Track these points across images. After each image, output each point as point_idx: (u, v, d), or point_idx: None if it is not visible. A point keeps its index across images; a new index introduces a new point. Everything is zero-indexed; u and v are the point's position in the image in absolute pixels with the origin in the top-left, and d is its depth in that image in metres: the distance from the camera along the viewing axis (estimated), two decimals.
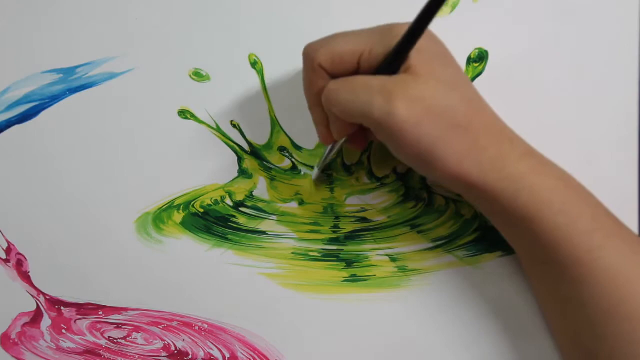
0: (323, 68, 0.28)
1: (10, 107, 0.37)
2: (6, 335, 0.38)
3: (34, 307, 0.38)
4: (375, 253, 0.36)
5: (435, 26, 0.33)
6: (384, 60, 0.27)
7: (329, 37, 0.29)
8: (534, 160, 0.28)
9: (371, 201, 0.35)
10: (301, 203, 0.36)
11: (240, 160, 0.36)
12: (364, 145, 0.33)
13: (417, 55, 0.27)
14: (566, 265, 0.28)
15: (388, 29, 0.28)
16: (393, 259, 0.35)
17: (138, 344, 0.38)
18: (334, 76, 0.29)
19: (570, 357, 0.31)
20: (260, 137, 0.36)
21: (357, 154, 0.35)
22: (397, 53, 0.27)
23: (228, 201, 0.36)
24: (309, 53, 0.28)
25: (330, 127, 0.30)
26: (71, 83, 0.36)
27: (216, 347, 0.37)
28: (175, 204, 0.36)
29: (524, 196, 0.27)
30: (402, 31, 0.26)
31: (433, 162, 0.27)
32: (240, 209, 0.36)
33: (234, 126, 0.36)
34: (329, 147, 0.32)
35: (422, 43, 0.26)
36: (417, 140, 0.26)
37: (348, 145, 0.33)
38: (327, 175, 0.36)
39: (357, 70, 0.28)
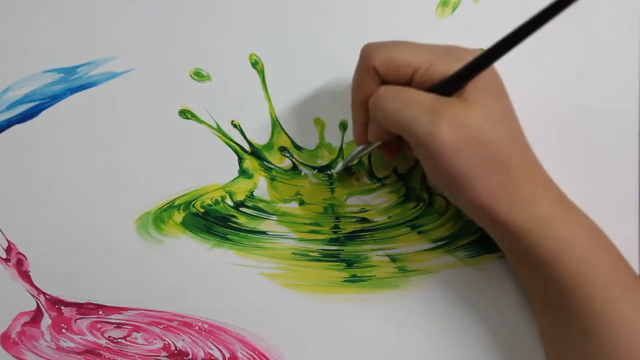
0: (377, 71, 0.28)
1: (10, 106, 0.37)
2: (6, 335, 0.38)
3: (34, 307, 0.38)
4: (376, 253, 0.36)
5: (436, 26, 0.33)
6: (441, 82, 0.27)
7: (390, 43, 0.28)
8: (563, 206, 0.28)
9: (372, 201, 0.35)
10: (301, 203, 0.36)
11: (240, 160, 0.36)
12: (396, 155, 0.33)
13: (474, 83, 0.27)
14: (579, 314, 0.28)
15: (452, 50, 0.28)
16: (393, 259, 0.35)
17: (138, 344, 0.38)
18: (385, 82, 0.28)
19: None
20: (260, 137, 0.36)
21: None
22: (457, 78, 0.26)
23: (228, 201, 0.36)
24: (367, 53, 0.28)
25: (369, 129, 0.30)
26: (72, 83, 0.36)
27: (216, 347, 0.37)
28: (175, 204, 0.36)
29: (548, 240, 0.27)
30: (466, 57, 0.26)
31: (464, 191, 0.27)
32: (241, 209, 0.36)
33: (235, 126, 0.36)
34: (360, 148, 0.32)
35: (482, 73, 0.26)
36: (454, 166, 0.27)
37: (380, 151, 0.33)
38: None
39: (409, 82, 0.28)
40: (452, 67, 0.27)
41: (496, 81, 0.29)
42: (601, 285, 0.27)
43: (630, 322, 0.27)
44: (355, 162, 0.34)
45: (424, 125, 0.26)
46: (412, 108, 0.27)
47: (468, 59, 0.26)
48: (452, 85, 0.27)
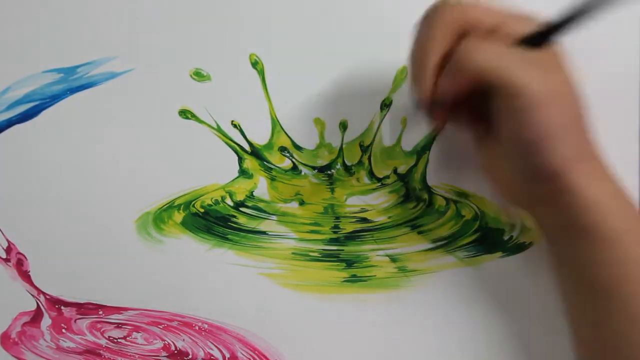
0: (459, 25, 0.28)
1: (10, 106, 0.37)
2: (6, 335, 0.38)
3: (34, 307, 0.38)
4: (376, 253, 0.36)
5: None
6: (533, 33, 0.27)
7: (467, 2, 0.28)
8: (622, 187, 0.28)
9: (372, 201, 0.35)
10: (301, 203, 0.36)
11: (240, 160, 0.36)
12: (444, 123, 0.32)
13: (561, 48, 0.27)
14: (629, 301, 0.27)
15: (525, 15, 0.28)
16: (393, 259, 0.35)
17: (138, 344, 0.38)
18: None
19: None
20: (260, 137, 0.36)
21: (358, 153, 0.35)
22: (552, 28, 0.26)
23: (228, 201, 0.36)
24: (445, 8, 0.28)
25: (441, 81, 0.29)
26: (72, 83, 0.36)
27: (216, 347, 0.37)
28: (175, 204, 0.36)
29: (622, 214, 0.27)
30: (532, 20, 0.27)
31: (545, 151, 0.26)
32: (241, 209, 0.36)
33: (235, 126, 0.36)
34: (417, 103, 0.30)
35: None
36: (543, 122, 0.26)
37: (434, 116, 0.30)
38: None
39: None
40: (528, 27, 0.27)
41: (563, 51, 0.28)
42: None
43: None
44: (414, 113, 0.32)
45: (522, 74, 0.26)
46: (507, 58, 0.26)
47: (541, 24, 0.26)
48: (543, 37, 0.27)
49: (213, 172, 0.36)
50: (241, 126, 0.36)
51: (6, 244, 0.38)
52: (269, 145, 0.36)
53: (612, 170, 0.28)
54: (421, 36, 0.29)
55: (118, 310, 0.37)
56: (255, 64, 0.35)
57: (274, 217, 0.36)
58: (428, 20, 0.29)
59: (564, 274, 0.30)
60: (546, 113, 0.26)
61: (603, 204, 0.27)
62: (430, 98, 0.29)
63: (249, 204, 0.36)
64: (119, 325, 0.38)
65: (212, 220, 0.36)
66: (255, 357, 0.37)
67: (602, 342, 0.29)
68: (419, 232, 0.35)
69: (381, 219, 0.35)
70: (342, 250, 0.36)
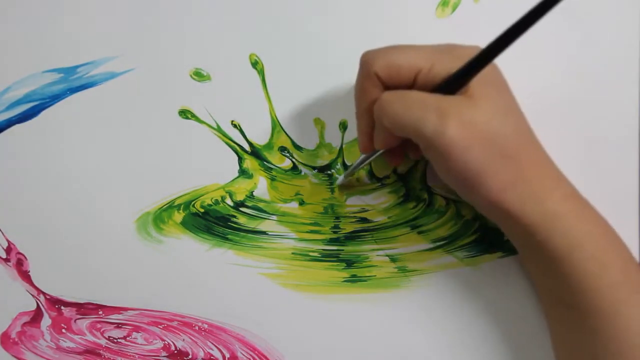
0: (379, 77, 0.28)
1: (10, 106, 0.37)
2: (6, 335, 0.38)
3: (34, 307, 0.38)
4: (376, 253, 0.36)
5: (437, 26, 0.33)
6: (444, 81, 0.27)
7: (388, 48, 0.28)
8: (575, 203, 0.28)
9: (371, 201, 0.35)
10: (301, 203, 0.36)
11: (240, 160, 0.36)
12: (400, 161, 0.34)
13: (476, 79, 0.27)
14: (587, 314, 0.27)
15: (451, 49, 0.28)
16: (393, 259, 0.35)
17: (138, 344, 0.38)
18: (388, 87, 0.28)
19: None
20: (260, 137, 0.36)
21: (358, 153, 0.35)
22: (461, 75, 0.26)
23: (228, 201, 0.36)
24: (367, 60, 0.28)
25: (375, 137, 0.30)
26: (72, 82, 0.36)
27: (216, 347, 0.37)
28: (175, 204, 0.36)
29: (559, 236, 0.27)
30: (467, 54, 0.26)
31: (476, 188, 0.27)
32: (241, 209, 0.36)
33: (235, 126, 0.36)
34: (364, 156, 0.32)
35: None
36: (465, 164, 0.27)
37: (384, 158, 0.33)
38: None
39: (412, 85, 0.28)
40: (454, 65, 0.27)
41: (498, 76, 0.29)
42: (611, 286, 0.27)
43: (636, 326, 0.27)
44: (359, 169, 0.34)
45: (432, 125, 0.26)
46: (418, 109, 0.27)
47: (468, 56, 0.26)
48: (455, 84, 0.27)
49: (213, 172, 0.36)
50: (241, 126, 0.36)
51: (6, 244, 0.38)
52: (269, 145, 0.36)
53: (556, 189, 0.28)
54: (355, 88, 0.30)
55: (118, 310, 0.37)
56: (255, 64, 0.35)
57: (274, 217, 0.36)
58: (358, 72, 0.29)
59: (536, 285, 0.32)
60: (467, 156, 0.26)
61: (541, 225, 0.27)
62: (369, 150, 0.31)
63: (249, 204, 0.36)
64: (119, 325, 0.38)
65: (212, 220, 0.36)
66: (255, 357, 0.37)
67: (570, 351, 0.30)
68: (419, 232, 0.35)
69: (381, 219, 0.35)
70: (342, 250, 0.36)
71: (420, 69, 0.27)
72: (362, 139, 0.31)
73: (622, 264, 0.28)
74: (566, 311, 0.29)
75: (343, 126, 0.35)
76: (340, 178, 0.35)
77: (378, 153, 0.32)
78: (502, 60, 0.33)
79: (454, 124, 0.26)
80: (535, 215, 0.27)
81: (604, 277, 0.27)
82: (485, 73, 0.27)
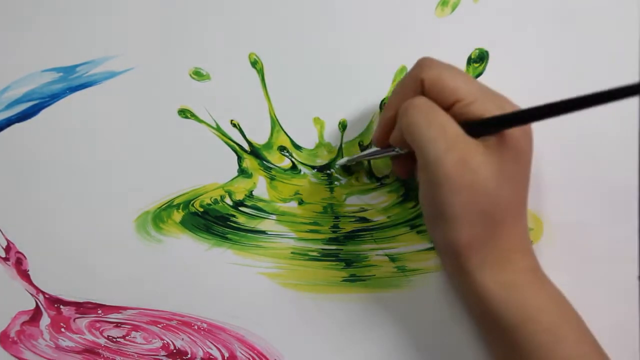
0: (423, 84, 0.28)
1: (10, 105, 0.37)
2: (5, 334, 0.38)
3: (33, 306, 0.38)
4: (375, 253, 0.36)
5: (437, 26, 0.33)
6: (475, 121, 0.27)
7: (447, 65, 0.28)
8: (533, 276, 0.28)
9: (371, 201, 0.35)
10: (301, 203, 0.36)
11: (240, 159, 0.36)
12: (406, 175, 0.33)
13: (503, 136, 0.27)
14: None
15: (499, 98, 0.28)
16: (392, 259, 0.35)
17: (137, 343, 0.38)
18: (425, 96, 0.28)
19: None
20: (260, 137, 0.36)
21: (357, 153, 0.35)
22: (489, 124, 0.26)
23: (228, 200, 0.36)
24: (422, 64, 0.28)
25: (393, 132, 0.30)
26: (71, 82, 0.36)
27: (215, 346, 0.37)
28: (174, 203, 0.36)
29: (513, 306, 0.27)
30: (507, 107, 0.26)
31: (446, 230, 0.27)
32: (240, 208, 0.36)
33: (234, 125, 0.36)
34: (375, 149, 0.32)
35: (513, 130, 0.26)
36: (448, 203, 0.27)
37: (392, 165, 0.34)
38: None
39: (447, 109, 0.28)
40: (492, 112, 0.26)
41: (525, 144, 0.28)
42: (565, 359, 0.27)
43: None
44: (363, 159, 0.34)
45: (438, 150, 0.26)
46: (436, 129, 0.26)
47: (507, 109, 0.26)
48: (482, 129, 0.27)
49: (212, 171, 0.36)
50: (240, 125, 0.36)
51: (5, 243, 0.38)
52: (268, 145, 0.36)
53: (520, 262, 0.28)
54: (398, 82, 0.30)
55: (117, 309, 0.37)
56: (254, 63, 0.35)
57: (273, 217, 0.36)
58: (410, 70, 0.29)
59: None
60: (452, 196, 0.26)
61: (497, 293, 0.28)
62: (380, 143, 0.31)
63: (248, 203, 0.36)
64: (118, 325, 0.38)
65: (212, 220, 0.36)
66: (255, 356, 0.37)
67: None
68: (418, 232, 0.35)
69: (380, 218, 0.35)
70: (342, 249, 0.36)
71: (462, 99, 0.27)
72: (380, 130, 0.31)
73: (577, 338, 0.28)
74: None
75: (342, 126, 0.35)
76: (342, 160, 0.35)
77: (391, 153, 0.31)
78: (501, 61, 0.34)
79: (457, 161, 0.26)
80: (494, 282, 0.28)
81: (558, 350, 0.27)
82: (514, 135, 0.27)
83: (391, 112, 0.30)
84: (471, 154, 0.26)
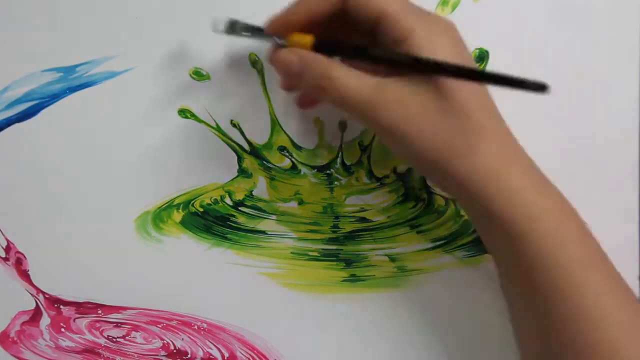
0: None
1: (9, 105, 0.37)
2: (5, 334, 0.38)
3: (33, 306, 0.38)
4: (375, 253, 0.36)
5: None
6: (389, 53, 0.27)
7: None
8: (533, 178, 0.28)
9: (371, 201, 0.35)
10: (301, 203, 0.36)
11: (240, 159, 0.36)
12: (311, 104, 0.33)
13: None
14: (543, 289, 0.27)
15: (434, 20, 0.27)
16: (392, 259, 0.35)
17: (137, 343, 0.38)
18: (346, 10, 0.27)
19: None
20: (260, 137, 0.36)
21: (357, 153, 0.35)
22: (414, 63, 0.26)
23: (227, 200, 0.36)
24: None
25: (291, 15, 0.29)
26: (71, 82, 0.36)
27: (215, 346, 0.37)
28: (174, 203, 0.36)
29: (516, 210, 0.27)
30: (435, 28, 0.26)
31: (437, 164, 0.27)
32: (240, 208, 0.36)
33: (234, 125, 0.36)
34: (259, 33, 0.31)
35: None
36: (421, 146, 0.26)
37: (297, 101, 0.33)
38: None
39: (371, 28, 0.27)
40: (414, 28, 0.26)
41: (487, 95, 0.28)
42: (567, 261, 0.26)
43: (591, 302, 0.26)
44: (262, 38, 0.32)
45: (369, 112, 0.26)
46: (350, 93, 0.26)
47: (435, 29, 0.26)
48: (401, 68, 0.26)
49: (212, 171, 0.36)
50: (240, 125, 0.36)
51: (5, 243, 0.38)
52: (268, 145, 0.36)
53: (514, 162, 0.27)
54: None
55: (117, 309, 0.37)
56: (255, 63, 0.35)
57: (273, 217, 0.36)
58: None
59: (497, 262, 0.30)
60: (418, 137, 0.26)
61: (498, 200, 0.27)
62: (276, 32, 0.29)
63: (248, 203, 0.36)
64: (118, 325, 0.38)
65: (212, 220, 0.36)
66: (255, 356, 0.37)
67: (533, 336, 0.29)
68: (418, 232, 0.35)
69: (380, 218, 0.35)
70: (342, 249, 0.36)
71: (387, 15, 0.26)
72: (282, 19, 0.29)
73: (581, 239, 0.27)
74: (524, 288, 0.28)
75: (342, 126, 0.35)
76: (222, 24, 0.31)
77: (270, 40, 0.30)
78: (501, 61, 0.34)
79: (396, 106, 0.26)
80: (494, 190, 0.27)
81: (562, 251, 0.26)
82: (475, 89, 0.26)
83: (300, 9, 0.28)
84: (399, 90, 0.26)
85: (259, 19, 0.35)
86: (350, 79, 0.27)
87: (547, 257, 0.26)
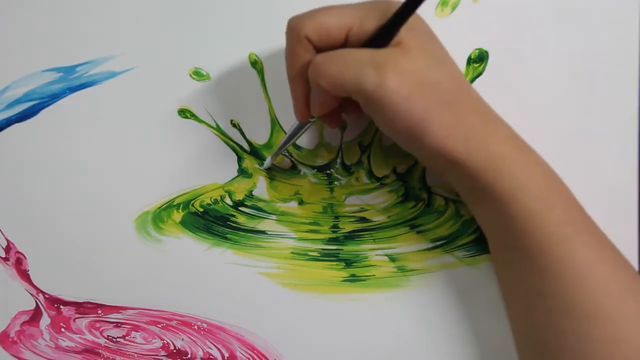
0: (310, 40, 0.28)
1: (10, 105, 0.37)
2: (5, 334, 0.38)
3: (33, 306, 0.38)
4: (375, 253, 0.35)
5: (436, 26, 0.33)
6: (375, 34, 0.27)
7: (315, 10, 0.28)
8: (517, 145, 0.29)
9: (371, 201, 0.35)
10: (301, 203, 0.36)
11: (240, 159, 0.36)
12: (339, 123, 0.33)
13: (407, 31, 0.27)
14: (534, 254, 0.28)
15: (377, 4, 0.28)
16: (392, 258, 0.35)
17: (137, 343, 0.38)
18: (320, 50, 0.28)
19: (521, 347, 0.31)
20: (260, 137, 0.36)
21: (357, 153, 0.35)
22: (389, 27, 0.27)
23: (227, 200, 0.36)
24: (295, 25, 0.28)
25: (311, 102, 0.30)
26: (71, 82, 0.36)
27: (215, 346, 0.37)
28: (174, 203, 0.36)
29: (504, 178, 0.28)
30: (393, 7, 0.27)
31: (421, 136, 0.27)
32: (240, 208, 0.36)
33: (234, 125, 0.36)
34: (296, 127, 0.32)
35: (410, 20, 0.27)
36: (408, 112, 0.27)
37: (324, 122, 0.33)
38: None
39: (344, 44, 0.28)
40: (382, 19, 0.27)
41: (424, 26, 0.29)
42: (555, 225, 0.27)
43: (583, 262, 0.27)
44: (294, 140, 0.34)
45: (370, 79, 0.26)
46: (354, 66, 0.27)
47: (393, 9, 0.26)
48: (386, 36, 0.27)
49: (212, 171, 0.36)
50: (240, 125, 0.36)
51: (5, 243, 0.38)
52: (268, 145, 0.36)
53: (497, 131, 0.28)
54: (285, 55, 0.30)
55: (117, 309, 0.37)
56: (255, 63, 0.35)
57: (273, 217, 0.36)
58: (287, 38, 0.29)
59: (488, 236, 0.31)
60: (409, 103, 0.27)
61: (486, 169, 0.28)
62: (306, 116, 0.31)
63: (248, 203, 0.36)
64: (118, 325, 0.38)
65: (212, 220, 0.36)
66: (254, 356, 0.37)
67: (524, 302, 0.30)
68: (418, 232, 0.35)
69: (380, 218, 0.35)
70: (341, 249, 0.36)
71: (350, 27, 0.28)
72: (299, 105, 0.31)
73: (567, 204, 0.28)
74: (513, 254, 0.29)
75: (342, 126, 0.35)
76: (268, 160, 0.35)
77: (312, 122, 0.32)
78: (501, 62, 0.34)
79: (392, 75, 0.26)
80: (480, 159, 0.28)
81: (549, 216, 0.27)
82: (412, 25, 0.27)
83: (299, 84, 0.30)
84: (396, 61, 0.27)
85: (259, 19, 0.35)
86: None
87: (535, 222, 0.27)
